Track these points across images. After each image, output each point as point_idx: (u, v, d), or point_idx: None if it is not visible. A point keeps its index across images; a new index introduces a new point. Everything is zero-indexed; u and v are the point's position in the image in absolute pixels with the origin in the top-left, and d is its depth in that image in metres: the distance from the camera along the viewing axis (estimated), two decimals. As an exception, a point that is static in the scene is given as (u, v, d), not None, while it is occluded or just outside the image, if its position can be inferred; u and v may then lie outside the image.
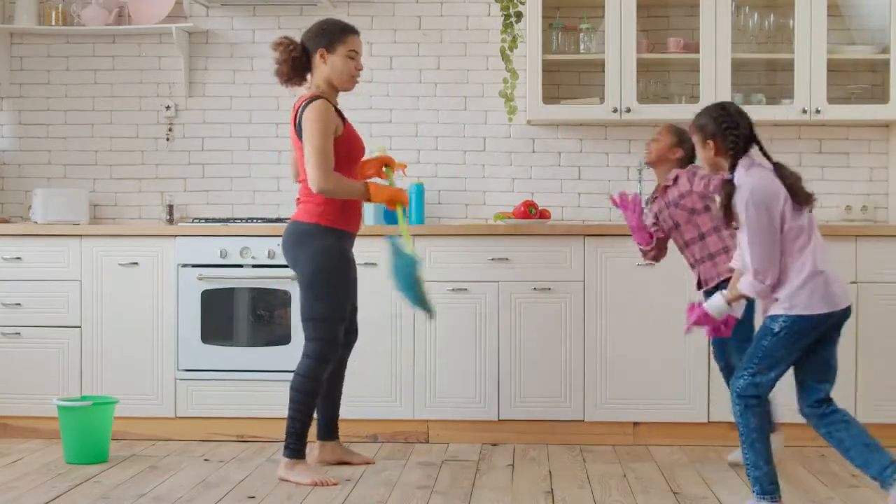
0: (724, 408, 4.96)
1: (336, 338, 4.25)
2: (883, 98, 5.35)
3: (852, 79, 5.51)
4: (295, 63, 4.24)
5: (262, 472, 4.41)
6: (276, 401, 5.00)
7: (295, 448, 4.24)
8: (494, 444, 5.03)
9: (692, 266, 4.50)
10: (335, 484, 4.17)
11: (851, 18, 5.51)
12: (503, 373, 5.03)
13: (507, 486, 4.18)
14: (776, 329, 3.62)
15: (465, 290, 5.03)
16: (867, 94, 5.49)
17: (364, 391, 4.96)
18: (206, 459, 4.69)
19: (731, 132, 3.65)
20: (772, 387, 3.71)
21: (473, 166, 5.66)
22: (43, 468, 4.50)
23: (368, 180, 4.35)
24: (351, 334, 4.55)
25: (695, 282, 4.51)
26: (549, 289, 5.00)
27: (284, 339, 5.05)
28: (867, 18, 5.49)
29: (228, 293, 5.11)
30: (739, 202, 3.57)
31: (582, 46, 5.45)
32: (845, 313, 3.65)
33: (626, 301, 4.97)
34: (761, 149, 3.69)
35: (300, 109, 4.19)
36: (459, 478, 4.34)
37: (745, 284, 3.65)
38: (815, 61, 5.22)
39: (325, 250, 4.20)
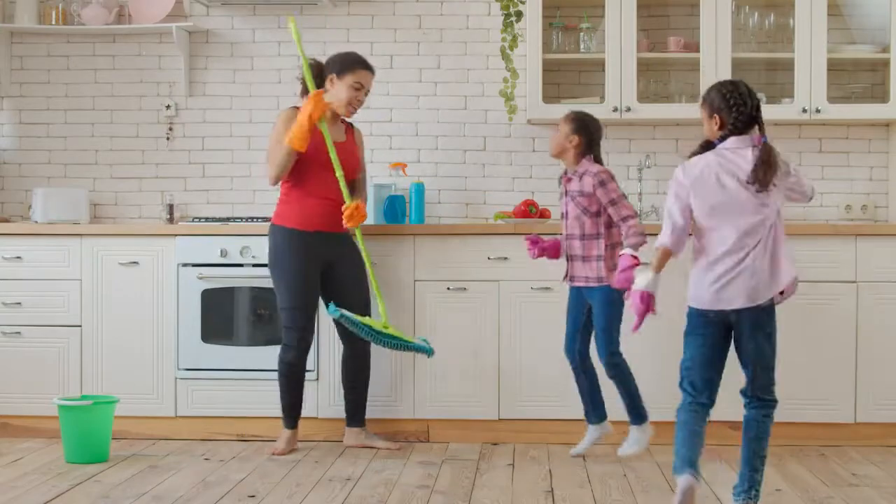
0: (724, 407, 4.95)
1: (295, 326, 4.68)
2: (883, 97, 5.35)
3: (852, 78, 5.51)
4: (317, 83, 4.65)
5: (262, 471, 4.42)
6: (275, 400, 5.00)
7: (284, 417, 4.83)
8: (494, 444, 5.03)
9: (567, 258, 4.67)
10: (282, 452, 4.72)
11: (851, 18, 5.51)
12: (503, 372, 5.03)
13: (508, 486, 4.18)
14: None
15: (465, 289, 5.03)
16: (867, 93, 5.49)
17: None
18: (206, 459, 4.69)
19: (736, 110, 3.73)
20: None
21: (473, 166, 5.66)
22: (43, 468, 4.50)
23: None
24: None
25: (565, 274, 4.70)
26: (549, 288, 5.00)
27: (284, 338, 5.05)
28: (867, 18, 5.49)
29: (229, 292, 5.11)
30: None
31: (582, 46, 5.46)
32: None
33: (627, 300, 4.96)
34: (761, 129, 3.75)
35: None
36: (459, 477, 4.34)
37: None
38: (816, 61, 5.23)
39: (274, 247, 4.71)
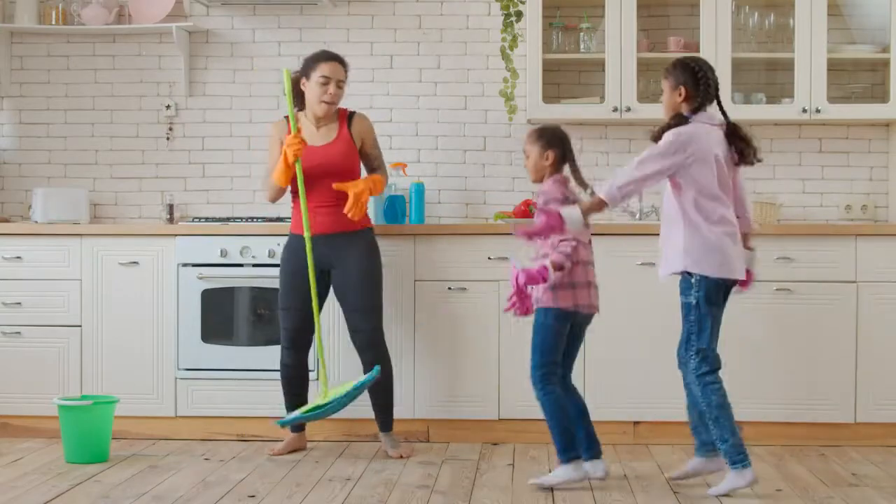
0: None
1: (285, 326, 4.75)
2: (883, 97, 5.35)
3: (852, 78, 5.51)
4: (296, 94, 4.72)
5: (262, 472, 4.41)
6: (275, 400, 5.00)
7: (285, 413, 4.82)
8: (495, 444, 5.03)
9: None
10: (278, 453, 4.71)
11: (851, 18, 5.51)
12: (503, 372, 5.03)
13: (508, 486, 4.18)
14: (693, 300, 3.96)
15: (465, 289, 5.03)
16: (867, 93, 5.49)
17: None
18: (206, 459, 4.69)
19: (703, 83, 3.98)
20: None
21: (473, 166, 5.66)
22: (43, 468, 4.50)
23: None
24: (355, 333, 4.72)
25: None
26: (550, 288, 4.99)
27: (284, 338, 5.05)
28: (867, 18, 5.49)
29: (228, 292, 5.11)
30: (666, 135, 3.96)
31: (582, 46, 5.45)
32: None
33: (627, 300, 4.97)
34: (721, 107, 4.04)
35: None
36: (460, 477, 4.34)
37: (604, 188, 3.92)
38: (816, 61, 5.23)
39: (282, 251, 4.81)
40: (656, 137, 3.99)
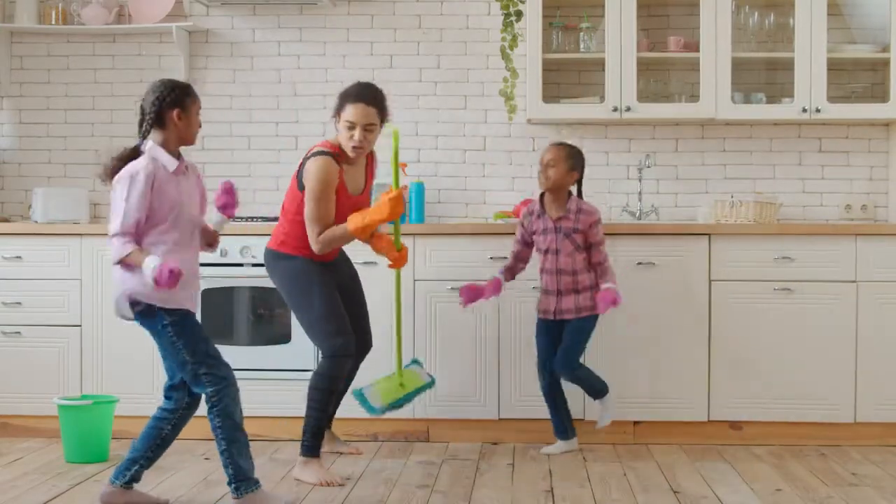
0: (724, 407, 4.96)
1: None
2: (883, 97, 5.35)
3: (852, 78, 5.51)
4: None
5: (262, 471, 4.40)
6: (275, 400, 5.01)
7: (309, 445, 4.29)
8: (495, 444, 5.03)
9: (551, 293, 4.72)
10: (341, 485, 4.17)
11: (852, 17, 5.51)
12: (503, 371, 5.03)
13: (508, 486, 4.18)
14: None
15: (465, 289, 5.02)
16: (867, 92, 5.49)
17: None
18: (206, 458, 4.69)
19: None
20: None
21: (473, 165, 5.66)
22: (43, 467, 4.50)
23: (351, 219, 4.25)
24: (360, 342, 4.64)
25: (551, 309, 4.72)
26: (550, 288, 5.00)
27: (284, 338, 5.05)
28: (867, 17, 5.49)
29: (228, 292, 5.11)
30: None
31: (582, 45, 5.45)
32: None
33: (626, 299, 4.96)
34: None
35: (305, 159, 4.32)
36: (460, 477, 4.34)
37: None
38: (816, 60, 5.23)
39: (289, 269, 4.38)
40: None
